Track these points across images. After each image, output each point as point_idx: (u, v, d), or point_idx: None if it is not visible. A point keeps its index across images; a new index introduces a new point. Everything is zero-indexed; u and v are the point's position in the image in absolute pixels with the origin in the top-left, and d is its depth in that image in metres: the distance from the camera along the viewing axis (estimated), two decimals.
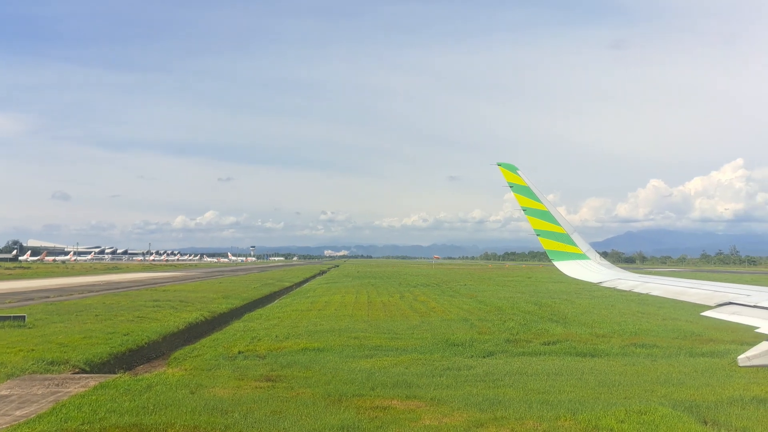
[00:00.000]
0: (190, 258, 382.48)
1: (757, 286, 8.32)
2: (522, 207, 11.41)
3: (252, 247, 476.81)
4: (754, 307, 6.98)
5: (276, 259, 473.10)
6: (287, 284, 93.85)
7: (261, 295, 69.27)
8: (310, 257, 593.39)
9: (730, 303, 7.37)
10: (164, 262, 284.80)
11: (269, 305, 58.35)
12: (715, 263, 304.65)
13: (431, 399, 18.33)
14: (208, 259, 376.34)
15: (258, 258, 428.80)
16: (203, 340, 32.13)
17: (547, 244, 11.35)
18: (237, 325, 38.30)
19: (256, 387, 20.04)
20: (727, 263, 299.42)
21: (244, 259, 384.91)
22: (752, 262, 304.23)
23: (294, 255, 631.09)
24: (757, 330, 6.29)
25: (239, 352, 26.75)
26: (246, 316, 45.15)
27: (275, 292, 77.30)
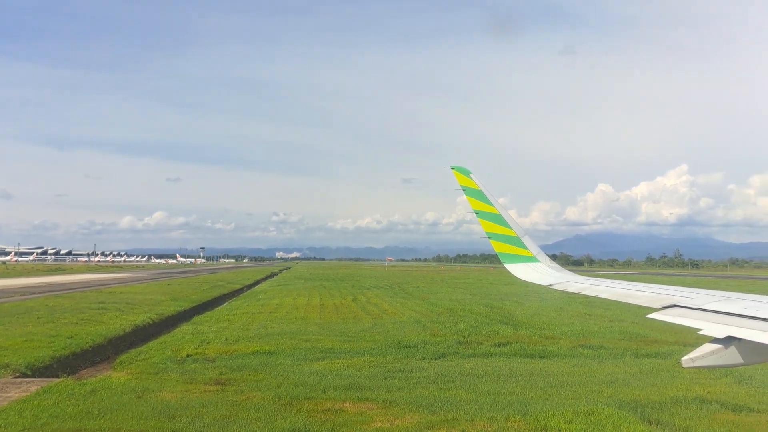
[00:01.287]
0: (138, 259, 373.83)
1: (700, 289, 8.54)
2: (474, 210, 11.49)
3: (201, 248, 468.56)
4: (698, 309, 7.15)
5: (226, 260, 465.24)
6: (237, 286, 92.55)
7: (210, 297, 68.16)
8: (262, 259, 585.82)
9: (675, 305, 7.53)
10: (110, 264, 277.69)
11: (219, 307, 57.46)
12: (659, 266, 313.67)
13: (383, 401, 18.32)
14: (156, 261, 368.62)
15: (207, 259, 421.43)
16: (150, 343, 31.39)
17: (498, 247, 11.45)
18: (185, 328, 37.57)
19: (205, 391, 19.69)
20: (671, 266, 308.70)
21: (193, 260, 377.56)
22: (695, 265, 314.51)
23: (245, 257, 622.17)
24: (700, 332, 6.43)
25: (188, 356, 26.25)
26: (195, 319, 44.31)
27: (225, 294, 76.17)
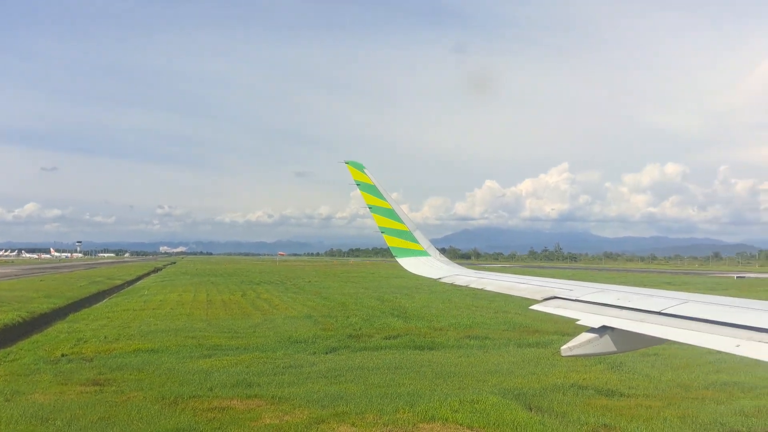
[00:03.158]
0: (6, 253, 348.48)
1: (578, 281, 8.97)
2: (368, 205, 11.51)
3: (78, 242, 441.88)
4: (576, 301, 7.48)
5: (105, 255, 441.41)
6: (118, 282, 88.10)
7: (88, 293, 64.48)
8: (145, 254, 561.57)
9: (555, 297, 7.84)
10: None
11: (97, 304, 54.53)
12: (541, 259, 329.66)
13: (272, 397, 18.10)
14: (27, 255, 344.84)
15: (85, 254, 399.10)
16: (20, 343, 29.32)
17: (390, 241, 11.55)
18: (60, 326, 35.43)
19: (81, 392, 18.68)
20: (551, 259, 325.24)
21: (69, 255, 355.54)
22: (573, 258, 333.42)
23: (126, 251, 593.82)
24: (578, 322, 6.73)
25: (62, 355, 24.79)
26: (71, 317, 41.85)
27: (104, 291, 72.28)
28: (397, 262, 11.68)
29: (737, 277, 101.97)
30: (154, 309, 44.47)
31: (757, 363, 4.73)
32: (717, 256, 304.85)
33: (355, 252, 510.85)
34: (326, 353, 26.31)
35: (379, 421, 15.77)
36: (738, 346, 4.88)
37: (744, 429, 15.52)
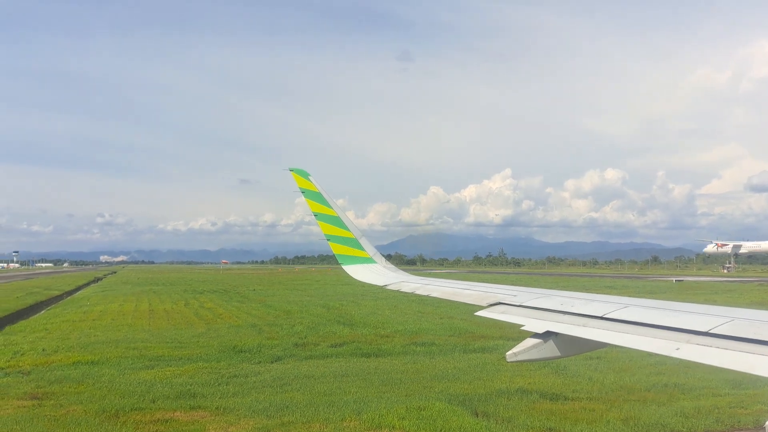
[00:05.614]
0: None
1: (522, 287, 9.11)
2: (313, 212, 11.46)
3: (15, 252, 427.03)
4: (520, 306, 7.59)
5: (43, 265, 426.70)
6: (56, 293, 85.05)
7: (25, 305, 62.02)
8: (84, 263, 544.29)
9: (500, 303, 7.94)
10: None
11: (35, 316, 52.47)
12: (485, 264, 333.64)
13: (216, 408, 17.79)
14: None
15: (22, 264, 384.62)
16: None
17: (336, 249, 11.52)
18: None
19: (19, 406, 18.00)
20: (496, 264, 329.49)
21: (5, 265, 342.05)
22: (517, 263, 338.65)
23: (65, 261, 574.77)
24: (522, 328, 6.82)
25: None
26: (7, 329, 40.11)
27: (42, 302, 69.67)
28: (343, 269, 11.64)
29: (676, 280, 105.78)
30: (94, 320, 43.13)
31: (696, 365, 4.85)
32: (656, 260, 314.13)
33: (300, 259, 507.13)
34: (271, 362, 25.98)
35: (325, 430, 15.67)
36: (678, 349, 5.01)
37: (684, 430, 16.02)
